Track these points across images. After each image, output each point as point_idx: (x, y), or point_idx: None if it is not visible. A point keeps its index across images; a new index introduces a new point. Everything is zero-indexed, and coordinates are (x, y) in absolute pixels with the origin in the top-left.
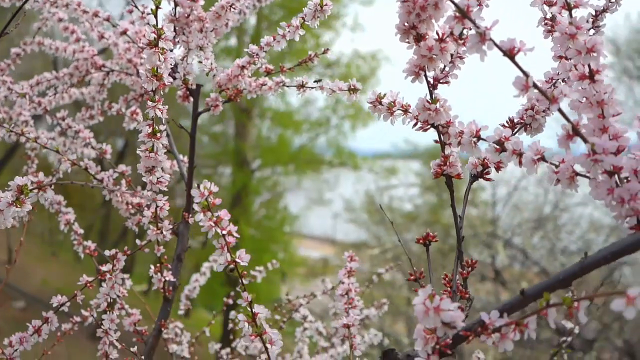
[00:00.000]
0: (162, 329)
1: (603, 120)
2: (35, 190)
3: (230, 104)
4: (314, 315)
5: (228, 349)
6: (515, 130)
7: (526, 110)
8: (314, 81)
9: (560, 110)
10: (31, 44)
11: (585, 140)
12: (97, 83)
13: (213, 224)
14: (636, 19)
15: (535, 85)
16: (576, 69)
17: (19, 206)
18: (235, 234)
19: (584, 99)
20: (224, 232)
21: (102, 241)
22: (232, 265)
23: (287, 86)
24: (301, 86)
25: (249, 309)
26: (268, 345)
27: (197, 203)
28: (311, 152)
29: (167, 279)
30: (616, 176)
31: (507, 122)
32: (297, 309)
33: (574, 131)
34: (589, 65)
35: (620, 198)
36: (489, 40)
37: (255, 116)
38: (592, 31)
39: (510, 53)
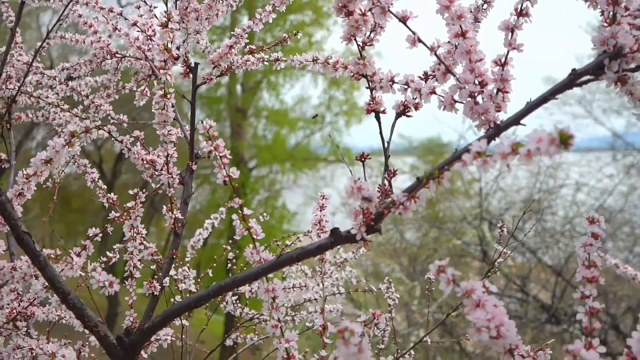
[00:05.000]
0: (174, 257)
1: (471, 64)
2: (84, 134)
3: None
4: None
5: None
6: (428, 80)
7: (435, 64)
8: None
9: (437, 56)
10: (54, 38)
11: (454, 75)
12: (112, 68)
13: (213, 149)
14: None
15: (419, 40)
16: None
17: (70, 147)
18: (229, 156)
19: (458, 49)
20: (221, 154)
21: (103, 244)
22: (226, 179)
23: (266, 61)
24: (277, 60)
25: (240, 211)
26: (254, 236)
27: (201, 133)
28: (307, 149)
29: (176, 216)
30: (480, 98)
31: (422, 74)
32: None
33: (447, 70)
34: (460, 26)
35: (477, 113)
36: (388, 12)
37: (250, 115)
38: (485, 5)
39: (403, 19)
